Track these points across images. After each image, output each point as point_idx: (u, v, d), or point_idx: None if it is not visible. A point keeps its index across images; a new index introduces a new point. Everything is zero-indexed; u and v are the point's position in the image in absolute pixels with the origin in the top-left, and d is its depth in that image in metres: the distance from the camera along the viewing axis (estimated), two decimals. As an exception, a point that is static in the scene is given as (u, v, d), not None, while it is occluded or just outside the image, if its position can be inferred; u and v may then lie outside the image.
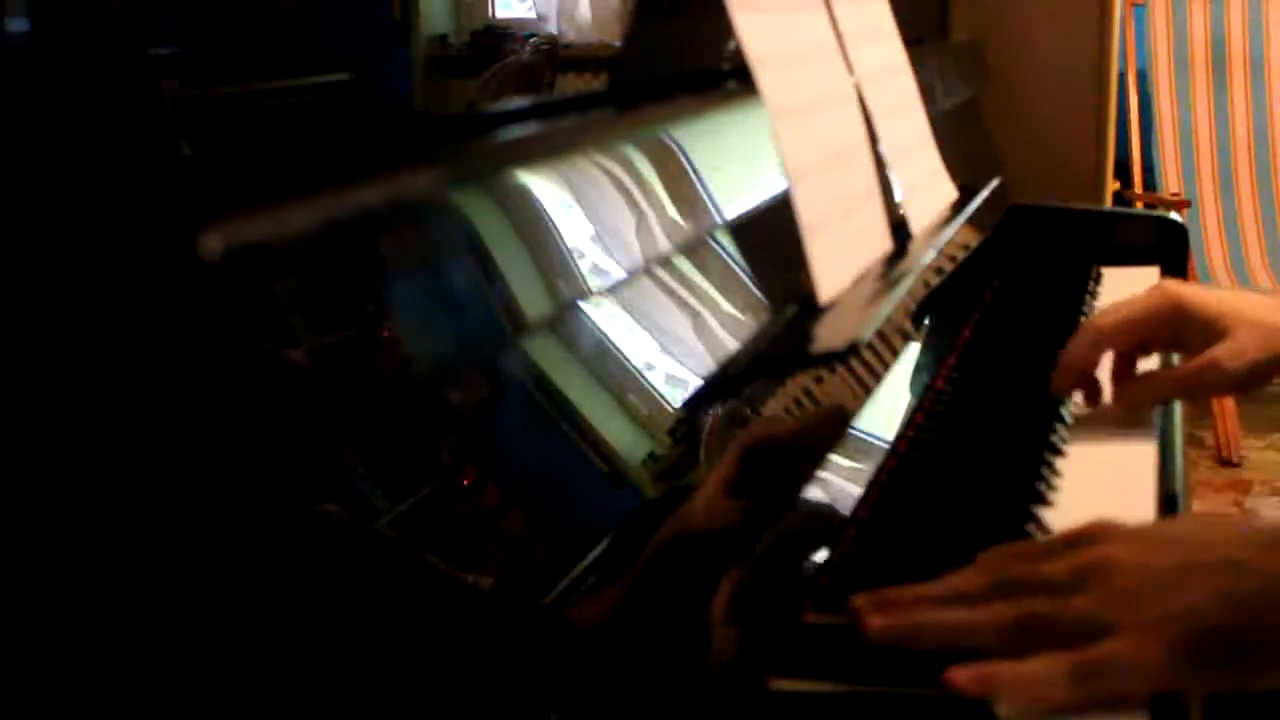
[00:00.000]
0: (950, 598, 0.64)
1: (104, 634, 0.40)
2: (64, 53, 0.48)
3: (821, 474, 0.79)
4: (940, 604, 0.64)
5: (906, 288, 1.03)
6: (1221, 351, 0.93)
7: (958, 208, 1.34)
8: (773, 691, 0.62)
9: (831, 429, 0.85)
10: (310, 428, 0.46)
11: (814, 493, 0.77)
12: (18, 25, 0.47)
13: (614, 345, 0.67)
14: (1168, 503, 0.85)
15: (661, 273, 0.75)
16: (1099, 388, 1.00)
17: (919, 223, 1.18)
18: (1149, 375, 1.01)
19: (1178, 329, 0.97)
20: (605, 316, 0.67)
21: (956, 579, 0.66)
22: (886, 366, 0.99)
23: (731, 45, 0.89)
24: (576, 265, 0.63)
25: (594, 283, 0.65)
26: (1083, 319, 1.29)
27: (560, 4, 0.90)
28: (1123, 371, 1.01)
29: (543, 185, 0.63)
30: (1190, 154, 3.36)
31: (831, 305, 0.90)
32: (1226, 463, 2.95)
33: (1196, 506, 2.69)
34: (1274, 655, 0.59)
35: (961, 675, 0.59)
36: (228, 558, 0.41)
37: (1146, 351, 1.02)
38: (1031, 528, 0.79)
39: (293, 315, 0.46)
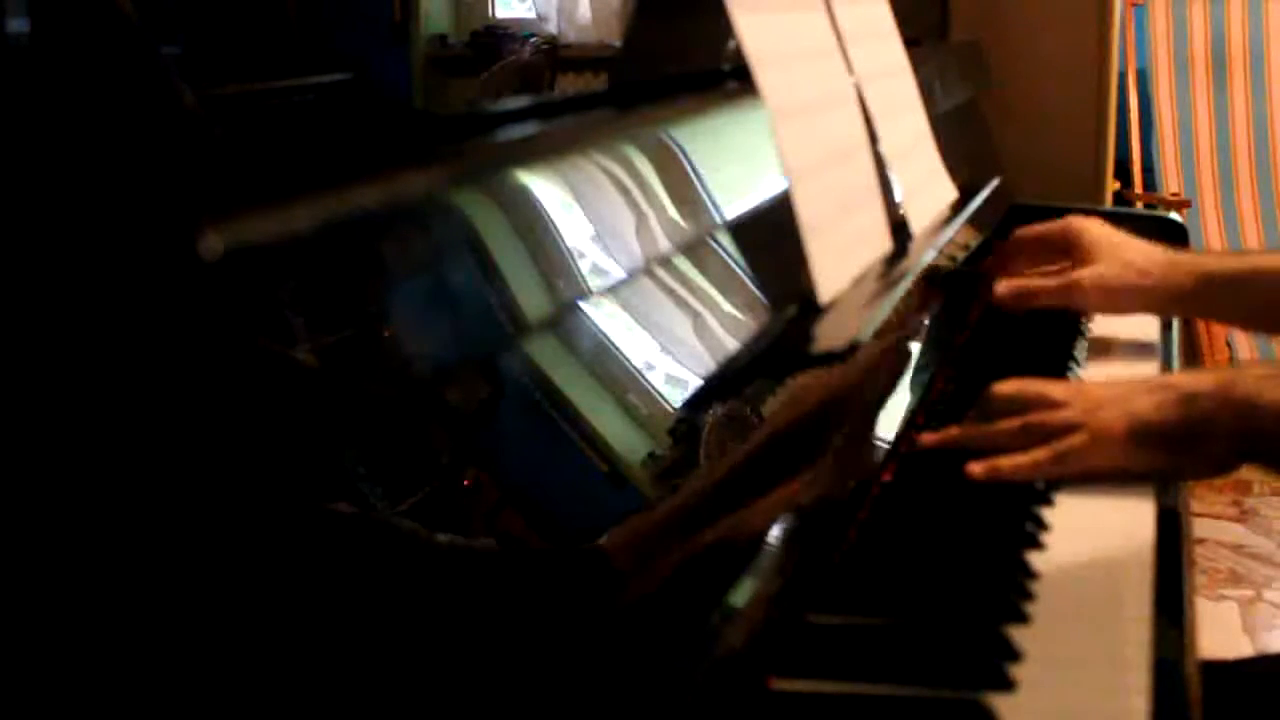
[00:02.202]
0: (980, 418, 0.91)
1: (104, 633, 0.40)
2: (64, 53, 0.48)
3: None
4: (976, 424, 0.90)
5: (906, 288, 1.03)
6: (1084, 273, 1.16)
7: (958, 208, 1.34)
8: (773, 691, 0.62)
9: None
10: (311, 428, 0.46)
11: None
12: (18, 25, 0.47)
13: (614, 345, 0.67)
14: (1166, 495, 0.85)
15: (661, 273, 0.75)
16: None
17: (919, 223, 1.18)
18: (1029, 281, 1.20)
19: (1068, 251, 1.19)
20: (605, 316, 0.67)
21: (984, 402, 0.92)
22: (886, 366, 0.98)
23: (731, 45, 0.89)
24: (576, 265, 0.63)
25: (594, 283, 0.65)
26: (1082, 320, 1.29)
27: (560, 4, 0.90)
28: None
29: (543, 185, 0.63)
30: (1190, 154, 3.36)
31: (831, 305, 0.90)
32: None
33: (1196, 506, 2.69)
34: (1187, 445, 0.84)
35: (975, 467, 0.84)
36: (228, 558, 0.41)
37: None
38: (1031, 527, 0.79)
39: (293, 315, 0.46)
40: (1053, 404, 0.88)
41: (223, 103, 0.59)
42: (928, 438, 0.91)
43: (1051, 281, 1.18)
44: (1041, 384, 0.92)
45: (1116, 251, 1.17)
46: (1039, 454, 0.85)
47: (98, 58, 0.49)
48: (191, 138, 0.51)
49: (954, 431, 0.91)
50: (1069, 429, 0.86)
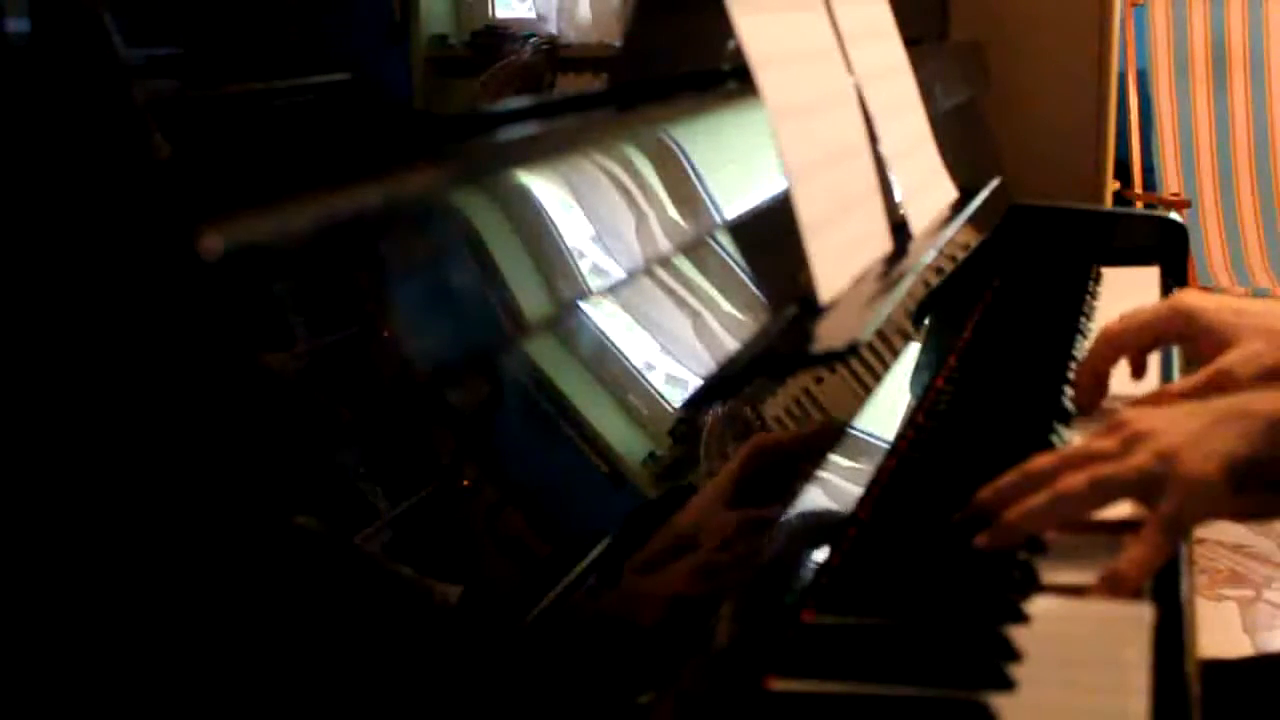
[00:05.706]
0: (1025, 484, 0.75)
1: (102, 634, 0.40)
2: (65, 53, 0.48)
3: (821, 474, 0.79)
4: (1021, 491, 0.75)
5: (906, 288, 1.03)
6: (1233, 358, 0.91)
7: (958, 208, 1.34)
8: (772, 691, 0.62)
9: (829, 435, 0.85)
10: (310, 428, 0.46)
11: (814, 493, 0.77)
12: (18, 25, 0.47)
13: (614, 345, 0.67)
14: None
15: (661, 273, 0.75)
16: (1107, 393, 0.99)
17: (919, 223, 1.18)
18: (1164, 390, 0.96)
19: (1189, 339, 0.96)
20: (605, 316, 0.67)
21: (1027, 467, 0.76)
22: (886, 366, 0.99)
23: (731, 45, 0.89)
24: (576, 265, 0.63)
25: (594, 283, 0.65)
26: (1083, 320, 1.29)
27: (560, 4, 0.90)
28: (1137, 374, 1.01)
29: (543, 185, 0.63)
30: (1190, 154, 3.36)
31: (831, 305, 0.90)
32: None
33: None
34: None
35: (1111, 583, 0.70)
36: (225, 558, 0.41)
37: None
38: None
39: (293, 315, 0.46)
40: (1109, 454, 0.74)
41: (222, 102, 0.59)
42: (981, 541, 0.75)
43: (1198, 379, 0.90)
44: (1089, 445, 0.77)
45: (1252, 322, 0.92)
46: (1149, 537, 0.72)
47: (94, 59, 0.49)
48: (191, 140, 0.51)
49: (1011, 513, 0.75)
50: (1151, 481, 0.73)
